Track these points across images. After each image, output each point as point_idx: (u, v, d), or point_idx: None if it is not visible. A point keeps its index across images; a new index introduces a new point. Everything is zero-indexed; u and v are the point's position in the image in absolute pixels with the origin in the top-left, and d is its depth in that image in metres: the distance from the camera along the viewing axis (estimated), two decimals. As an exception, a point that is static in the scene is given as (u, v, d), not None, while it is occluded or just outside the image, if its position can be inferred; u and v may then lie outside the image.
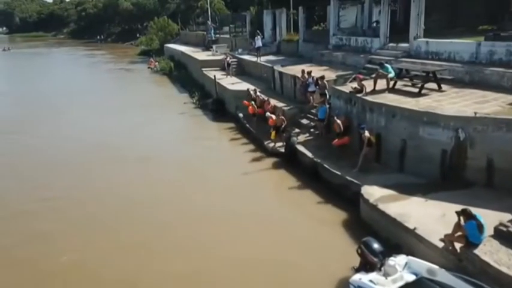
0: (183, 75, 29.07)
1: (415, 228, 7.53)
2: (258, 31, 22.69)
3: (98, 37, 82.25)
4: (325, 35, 20.33)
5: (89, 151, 15.20)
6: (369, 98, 11.33)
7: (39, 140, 16.96)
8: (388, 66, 12.02)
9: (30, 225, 10.00)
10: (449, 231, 7.03)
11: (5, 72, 44.54)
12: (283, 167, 12.65)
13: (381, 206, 8.52)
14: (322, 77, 14.08)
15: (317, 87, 14.36)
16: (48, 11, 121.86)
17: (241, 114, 17.60)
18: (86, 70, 42.51)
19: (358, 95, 11.65)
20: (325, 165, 11.15)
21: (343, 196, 10.26)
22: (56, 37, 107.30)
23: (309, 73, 14.64)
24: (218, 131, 17.42)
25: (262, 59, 21.70)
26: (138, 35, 67.11)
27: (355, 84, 12.19)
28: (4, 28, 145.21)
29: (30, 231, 9.71)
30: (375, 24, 20.24)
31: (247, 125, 16.58)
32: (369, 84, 11.99)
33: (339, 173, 10.62)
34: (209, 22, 34.77)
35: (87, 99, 25.36)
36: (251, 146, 14.97)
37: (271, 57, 22.22)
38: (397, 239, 7.91)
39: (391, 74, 11.85)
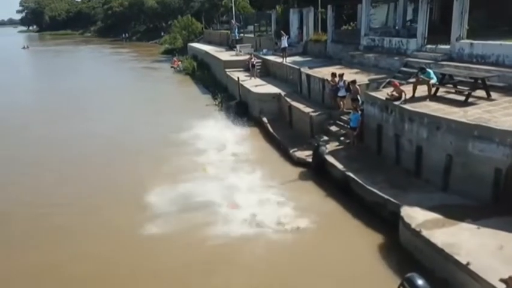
0: (206, 76, 28.43)
1: (468, 264, 6.50)
2: (282, 31, 21.69)
3: (123, 35, 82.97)
4: (355, 35, 19.18)
5: (104, 149, 15.41)
6: (408, 106, 10.26)
7: (56, 135, 17.35)
8: (430, 71, 10.89)
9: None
10: (510, 268, 6.01)
11: (30, 70, 45.55)
12: (311, 178, 11.72)
13: (425, 233, 7.49)
14: (354, 81, 13.05)
15: (348, 92, 13.35)
16: (76, 9, 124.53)
17: (265, 119, 16.78)
18: (110, 68, 42.95)
19: (396, 103, 10.59)
20: (358, 180, 10.15)
21: (378, 215, 9.28)
22: (83, 35, 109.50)
23: (341, 76, 13.62)
24: (241, 136, 16.57)
25: (288, 60, 20.74)
26: (162, 34, 67.21)
27: (391, 90, 11.11)
28: (35, 26, 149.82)
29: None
30: (409, 24, 19.01)
31: (272, 130, 15.72)
32: (406, 90, 10.93)
33: (373, 190, 9.60)
34: (233, 21, 34.03)
35: (108, 97, 25.49)
36: (275, 153, 14.12)
37: (297, 58, 21.24)
38: (445, 274, 6.89)
39: (434, 80, 10.73)
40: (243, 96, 19.68)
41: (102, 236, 9.39)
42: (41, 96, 27.89)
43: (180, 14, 53.44)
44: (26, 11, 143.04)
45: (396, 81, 11.46)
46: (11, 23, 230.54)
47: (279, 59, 21.51)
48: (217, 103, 21.80)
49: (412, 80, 12.45)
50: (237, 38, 31.84)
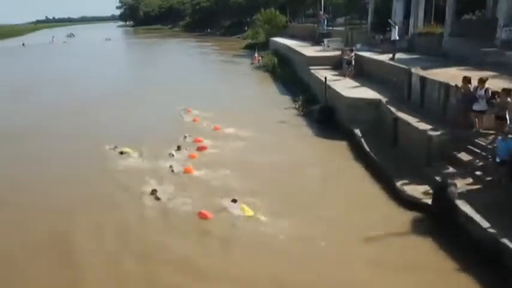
0: (287, 73, 25.22)
1: None
2: (390, 20, 17.56)
3: (208, 30, 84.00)
4: (486, 27, 14.53)
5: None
6: None
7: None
8: None
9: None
10: None
11: (116, 60, 47.16)
12: (431, 233, 7.85)
13: None
14: (508, 91, 8.77)
15: (490, 105, 9.18)
16: (168, 5, 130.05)
17: (358, 131, 13.08)
18: (191, 60, 43.02)
19: None
20: (522, 255, 6.18)
21: None
22: (172, 30, 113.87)
23: (482, 81, 9.43)
24: (324, 152, 13.10)
25: (386, 57, 16.75)
26: (245, 28, 65.87)
27: None
28: (131, 22, 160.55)
29: None
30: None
31: (367, 148, 12.01)
32: None
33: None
34: (321, 12, 30.40)
35: (182, 87, 24.57)
36: (372, 184, 10.37)
37: (401, 55, 17.03)
38: None
39: None
40: (329, 100, 16.15)
41: None
42: (116, 83, 28.13)
43: (264, 8, 51.06)
44: (124, 7, 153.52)
45: None
46: (112, 18, 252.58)
47: (376, 56, 17.57)
48: (297, 106, 18.55)
49: None
50: (325, 31, 28.15)
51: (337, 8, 32.26)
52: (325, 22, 29.19)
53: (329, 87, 16.20)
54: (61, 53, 56.29)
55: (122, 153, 12.45)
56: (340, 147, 13.24)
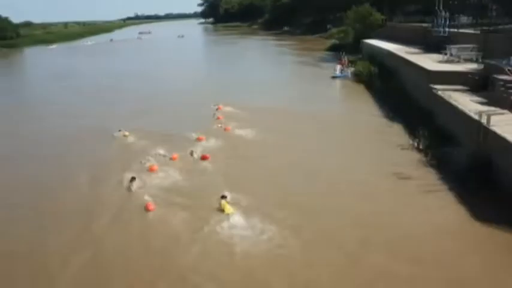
0: (393, 90, 19.14)
1: None
2: None
3: (287, 28, 79.56)
4: None
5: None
6: None
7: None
8: None
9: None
10: None
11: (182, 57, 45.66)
12: None
13: None
14: None
15: None
16: (248, 2, 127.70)
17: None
18: (264, 61, 39.81)
19: None
20: None
21: None
22: (250, 27, 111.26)
23: None
24: (485, 259, 7.50)
25: None
26: (328, 27, 59.84)
27: None
28: (211, 19, 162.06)
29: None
30: None
31: None
32: None
33: None
34: (437, 9, 23.76)
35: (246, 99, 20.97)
36: None
37: None
38: None
39: None
40: (484, 147, 10.28)
41: None
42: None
43: (353, 4, 44.66)
44: (205, 4, 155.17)
45: None
46: (195, 15, 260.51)
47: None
48: (418, 144, 12.88)
49: None
50: (444, 34, 21.63)
51: (460, 2, 25.12)
52: (443, 22, 22.55)
53: (485, 129, 10.32)
54: (136, 51, 56.86)
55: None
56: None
